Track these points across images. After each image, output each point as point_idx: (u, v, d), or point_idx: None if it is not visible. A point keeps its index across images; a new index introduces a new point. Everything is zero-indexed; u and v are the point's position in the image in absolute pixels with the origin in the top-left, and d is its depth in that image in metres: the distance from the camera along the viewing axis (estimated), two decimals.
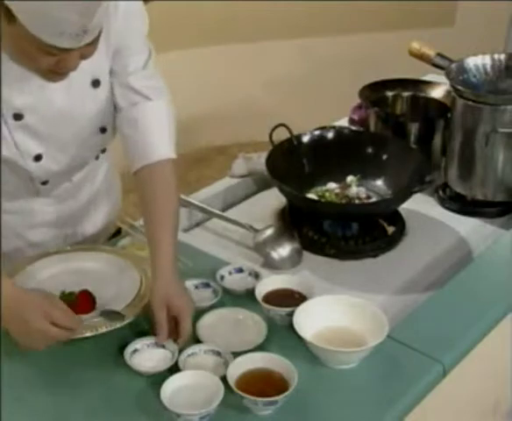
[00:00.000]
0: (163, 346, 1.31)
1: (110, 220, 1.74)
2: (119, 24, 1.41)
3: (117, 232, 1.75)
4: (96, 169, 1.65)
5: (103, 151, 1.60)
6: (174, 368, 1.25)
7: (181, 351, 1.29)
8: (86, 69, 1.38)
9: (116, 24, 1.40)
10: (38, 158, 1.45)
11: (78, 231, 1.67)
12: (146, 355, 1.30)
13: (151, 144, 1.46)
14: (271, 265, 1.60)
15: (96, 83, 1.44)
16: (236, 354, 1.27)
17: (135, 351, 1.30)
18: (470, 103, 1.76)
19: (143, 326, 1.36)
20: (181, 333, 1.31)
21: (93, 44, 1.27)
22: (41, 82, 1.36)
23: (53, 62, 1.26)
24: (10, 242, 1.57)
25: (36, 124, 1.41)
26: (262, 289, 1.43)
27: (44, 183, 1.52)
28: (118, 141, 1.57)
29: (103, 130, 1.50)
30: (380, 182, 1.85)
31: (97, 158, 1.61)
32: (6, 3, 1.18)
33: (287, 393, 1.18)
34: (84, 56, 1.29)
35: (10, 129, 1.40)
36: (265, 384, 1.22)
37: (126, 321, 1.33)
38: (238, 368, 1.23)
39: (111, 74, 1.47)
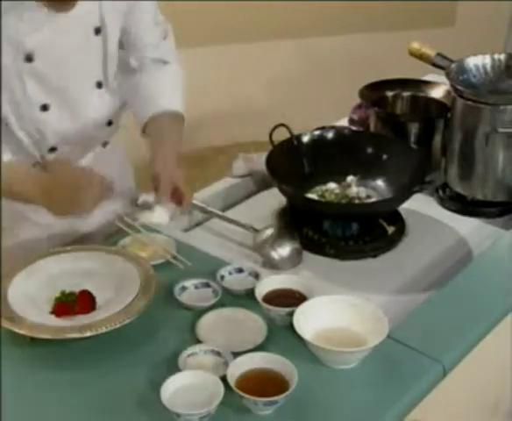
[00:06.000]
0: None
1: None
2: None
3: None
4: (103, 159, 1.70)
5: (109, 123, 1.67)
6: (175, 368, 1.26)
7: (181, 350, 1.29)
8: (90, 16, 1.51)
9: None
10: (45, 107, 1.52)
11: (88, 220, 1.69)
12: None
13: (157, 98, 1.65)
14: (271, 265, 1.60)
15: (97, 31, 1.54)
16: (236, 354, 1.27)
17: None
18: (470, 103, 1.76)
19: (143, 326, 1.37)
20: (187, 195, 1.53)
21: None
22: (50, 24, 1.43)
23: None
24: (24, 228, 1.63)
25: (43, 68, 1.47)
26: (262, 289, 1.43)
27: (52, 150, 1.56)
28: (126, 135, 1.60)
29: (99, 85, 1.60)
30: (380, 182, 1.85)
31: (104, 145, 1.71)
32: None
33: (287, 393, 1.18)
34: None
35: (21, 73, 1.46)
36: (265, 384, 1.22)
37: (126, 321, 1.33)
38: (238, 368, 1.23)
39: (125, 32, 1.61)
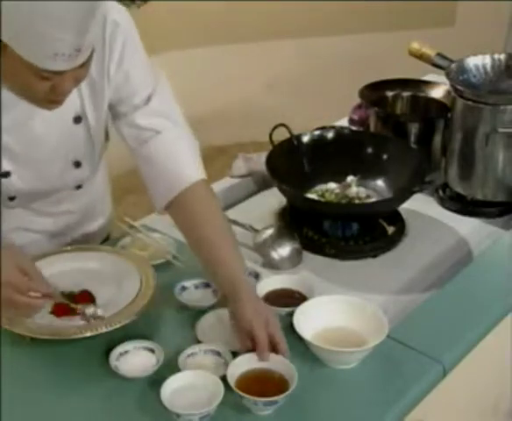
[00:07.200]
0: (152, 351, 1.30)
1: (99, 228, 1.72)
2: (116, 76, 1.41)
3: (106, 240, 1.76)
4: (78, 191, 1.60)
5: (79, 187, 1.56)
6: (175, 368, 1.25)
7: (181, 350, 1.29)
8: (70, 105, 1.38)
9: (111, 69, 1.40)
10: (5, 175, 1.42)
11: (63, 240, 1.64)
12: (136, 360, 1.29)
13: (174, 174, 1.42)
14: (271, 265, 1.60)
15: (77, 120, 1.44)
16: (236, 354, 1.27)
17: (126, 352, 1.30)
18: (470, 103, 1.76)
19: (142, 326, 1.37)
20: (282, 351, 1.25)
21: (85, 66, 1.27)
22: (25, 109, 1.34)
23: (48, 88, 1.25)
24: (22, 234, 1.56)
25: (10, 143, 1.39)
26: (262, 289, 1.43)
27: (11, 199, 1.48)
28: (112, 144, 1.57)
29: (78, 164, 1.49)
30: (380, 182, 1.85)
31: (71, 189, 1.56)
32: None
33: (287, 393, 1.18)
34: (78, 79, 1.28)
35: None
36: (265, 384, 1.22)
37: (126, 321, 1.33)
38: (238, 368, 1.23)
39: (117, 117, 1.47)
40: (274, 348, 1.25)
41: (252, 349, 1.25)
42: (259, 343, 1.24)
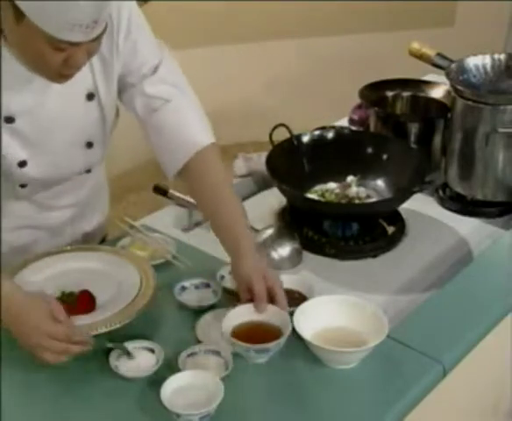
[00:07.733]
0: (152, 351, 1.31)
1: (98, 226, 1.72)
2: (125, 48, 1.44)
3: (104, 240, 1.76)
4: (82, 181, 1.61)
5: (88, 171, 1.57)
6: (175, 368, 1.25)
7: (181, 350, 1.29)
8: (82, 81, 1.40)
9: (119, 42, 1.43)
10: (22, 164, 1.43)
11: (63, 239, 1.64)
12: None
13: (184, 140, 1.48)
14: (271, 265, 1.60)
15: (90, 96, 1.45)
16: (236, 354, 1.27)
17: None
18: (470, 103, 1.76)
19: (142, 326, 1.37)
20: (280, 303, 1.32)
21: (98, 39, 1.29)
22: (39, 87, 1.36)
23: (61, 60, 1.26)
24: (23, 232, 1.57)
25: (25, 128, 1.40)
26: None
27: (22, 186, 1.48)
28: (113, 142, 1.58)
29: (90, 144, 1.50)
30: (380, 182, 1.85)
31: (81, 174, 1.58)
32: (15, 2, 1.19)
33: (278, 341, 1.20)
34: (91, 52, 1.30)
35: None
36: (261, 336, 1.24)
37: (126, 321, 1.33)
38: (233, 320, 1.26)
39: (129, 87, 1.49)
40: (272, 300, 1.31)
41: (252, 302, 1.31)
42: (257, 295, 1.31)
